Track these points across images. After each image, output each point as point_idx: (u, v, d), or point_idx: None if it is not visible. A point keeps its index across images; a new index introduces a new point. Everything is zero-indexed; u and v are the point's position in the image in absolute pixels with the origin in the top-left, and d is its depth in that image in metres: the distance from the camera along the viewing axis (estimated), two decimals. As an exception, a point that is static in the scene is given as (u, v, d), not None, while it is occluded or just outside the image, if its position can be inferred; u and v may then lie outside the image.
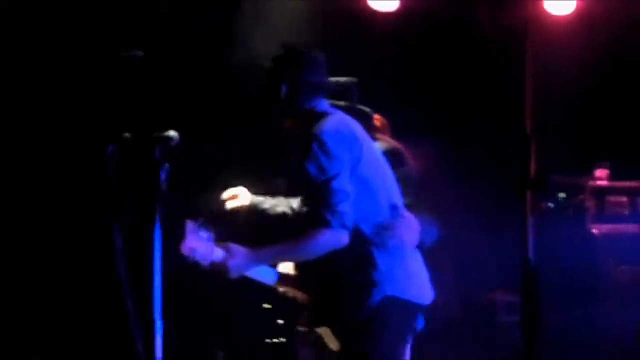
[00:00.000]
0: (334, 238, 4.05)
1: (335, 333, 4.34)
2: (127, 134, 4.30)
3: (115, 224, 4.21)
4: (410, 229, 4.47)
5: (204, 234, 4.16)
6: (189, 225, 4.11)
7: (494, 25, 7.46)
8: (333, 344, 4.29)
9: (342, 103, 4.85)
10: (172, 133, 4.42)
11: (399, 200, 4.31)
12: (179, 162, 4.17)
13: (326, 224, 4.00)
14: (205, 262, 4.19)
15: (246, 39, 7.32)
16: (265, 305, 7.21)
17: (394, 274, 4.22)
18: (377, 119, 5.27)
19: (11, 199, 7.57)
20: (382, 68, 5.70)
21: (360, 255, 4.20)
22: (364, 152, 4.17)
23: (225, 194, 4.88)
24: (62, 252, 7.39)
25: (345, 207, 4.00)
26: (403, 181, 4.72)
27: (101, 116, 6.73)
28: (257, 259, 4.33)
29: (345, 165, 4.13)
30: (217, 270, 4.24)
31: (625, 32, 7.84)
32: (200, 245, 4.12)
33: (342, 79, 5.04)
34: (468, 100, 7.62)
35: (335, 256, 4.14)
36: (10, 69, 7.54)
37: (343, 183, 4.02)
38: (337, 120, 4.20)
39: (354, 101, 5.11)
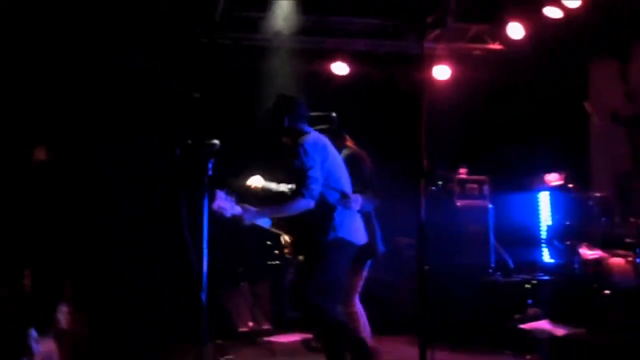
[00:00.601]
0: (306, 204, 4.13)
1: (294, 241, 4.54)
2: (188, 141, 4.50)
3: (181, 198, 4.34)
4: (356, 202, 4.45)
5: (228, 198, 4.16)
6: (219, 193, 4.15)
7: (406, 83, 7.30)
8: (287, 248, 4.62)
9: (323, 126, 4.78)
10: (215, 141, 4.48)
11: (348, 186, 4.41)
12: (219, 160, 4.24)
13: (302, 196, 4.12)
14: (228, 215, 4.17)
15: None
16: (267, 242, 6.94)
17: (343, 224, 4.26)
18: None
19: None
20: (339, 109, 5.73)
21: (325, 213, 4.22)
22: (329, 155, 4.31)
23: (249, 180, 4.96)
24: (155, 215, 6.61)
25: (315, 186, 4.13)
26: (359, 174, 4.76)
27: (172, 130, 6.33)
28: (262, 214, 4.35)
29: (317, 162, 4.16)
30: (236, 220, 4.23)
31: (485, 89, 7.87)
32: (226, 204, 4.14)
33: (323, 113, 4.97)
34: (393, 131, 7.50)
35: (309, 213, 4.17)
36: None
37: (315, 172, 4.14)
38: (313, 136, 4.36)
39: (333, 124, 4.98)
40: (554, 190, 6.50)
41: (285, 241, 4.63)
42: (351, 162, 4.73)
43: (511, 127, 7.19)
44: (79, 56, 6.37)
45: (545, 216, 6.70)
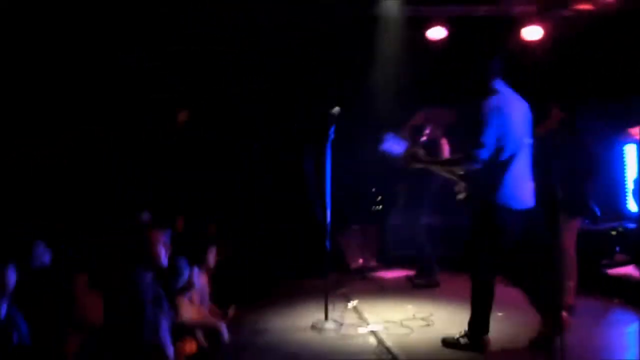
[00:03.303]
0: (474, 162, 3.86)
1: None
2: (313, 109, 4.45)
3: (308, 155, 4.47)
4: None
5: (398, 140, 4.08)
6: (389, 133, 4.05)
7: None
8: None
9: None
10: (336, 109, 4.49)
11: (523, 148, 4.03)
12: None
13: (473, 154, 3.86)
14: (396, 155, 4.06)
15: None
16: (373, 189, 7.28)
17: (508, 188, 3.92)
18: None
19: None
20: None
21: (493, 175, 3.90)
22: (510, 117, 3.90)
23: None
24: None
25: (486, 148, 3.84)
26: None
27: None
28: (430, 163, 4.23)
29: (494, 123, 3.83)
30: (403, 159, 4.09)
31: (575, 48, 7.14)
32: (395, 145, 4.07)
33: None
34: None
35: (477, 173, 3.92)
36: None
37: (489, 133, 3.83)
38: (499, 96, 3.95)
39: None
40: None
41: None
42: None
43: (600, 83, 6.84)
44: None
45: (632, 168, 6.54)
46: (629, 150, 6.58)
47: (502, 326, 4.51)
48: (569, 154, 4.76)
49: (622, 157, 6.67)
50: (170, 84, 6.26)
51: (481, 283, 4.06)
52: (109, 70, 6.13)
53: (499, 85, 4.00)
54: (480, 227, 3.97)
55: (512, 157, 3.92)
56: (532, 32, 7.08)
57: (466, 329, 4.11)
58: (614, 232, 6.15)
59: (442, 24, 7.15)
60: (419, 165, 4.15)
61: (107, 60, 6.08)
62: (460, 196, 4.09)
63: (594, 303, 5.45)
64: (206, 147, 6.39)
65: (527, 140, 4.04)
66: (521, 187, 4.01)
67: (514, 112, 3.97)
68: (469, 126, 4.01)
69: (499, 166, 3.90)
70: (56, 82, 6.03)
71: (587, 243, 6.13)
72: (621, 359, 3.96)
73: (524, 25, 7.12)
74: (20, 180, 5.49)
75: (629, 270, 5.47)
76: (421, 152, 4.14)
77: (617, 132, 6.67)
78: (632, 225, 6.00)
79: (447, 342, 4.18)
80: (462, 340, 4.08)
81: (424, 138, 6.26)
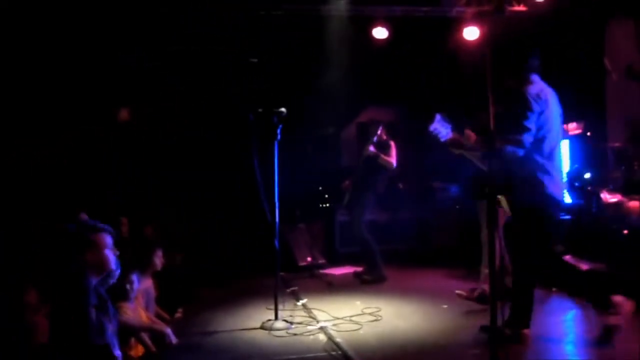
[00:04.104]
0: (515, 150, 3.73)
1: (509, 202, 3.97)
2: (259, 109, 4.65)
3: (254, 152, 4.59)
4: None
5: (445, 123, 3.88)
6: (438, 116, 3.87)
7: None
8: (505, 206, 4.00)
9: None
10: (283, 109, 4.43)
11: (559, 140, 3.99)
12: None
13: (514, 142, 3.74)
14: (442, 139, 3.88)
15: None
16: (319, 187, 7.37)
17: (548, 178, 3.85)
18: None
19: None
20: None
21: (532, 166, 3.83)
22: (547, 108, 3.84)
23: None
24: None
25: (527, 136, 3.76)
26: None
27: (247, 100, 6.22)
28: (473, 149, 4.01)
29: (535, 113, 3.75)
30: (449, 143, 3.90)
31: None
32: (441, 129, 3.88)
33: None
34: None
35: (517, 162, 3.80)
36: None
37: (530, 123, 3.76)
38: (538, 87, 3.88)
39: None
40: (573, 138, 6.48)
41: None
42: None
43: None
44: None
45: (565, 162, 6.59)
46: (562, 145, 6.77)
47: (446, 317, 4.71)
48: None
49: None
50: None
51: (528, 276, 3.95)
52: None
53: (536, 78, 3.97)
54: (529, 221, 3.84)
55: (553, 150, 3.90)
56: (472, 33, 7.34)
57: (511, 320, 3.94)
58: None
59: (384, 24, 7.17)
60: (459, 151, 4.02)
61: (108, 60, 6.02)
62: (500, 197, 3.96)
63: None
64: (151, 146, 6.24)
65: (562, 136, 4.05)
66: (561, 181, 4.01)
67: (551, 104, 3.93)
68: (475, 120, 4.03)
69: (545, 159, 3.83)
70: (56, 81, 5.97)
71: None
72: (559, 345, 4.02)
73: (464, 25, 7.34)
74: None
75: (567, 260, 5.51)
76: (463, 138, 3.98)
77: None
78: (567, 217, 6.10)
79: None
80: (507, 331, 3.93)
81: (375, 138, 6.27)
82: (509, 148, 3.73)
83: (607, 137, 6.44)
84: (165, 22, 6.10)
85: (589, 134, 6.22)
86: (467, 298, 4.98)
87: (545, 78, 4.00)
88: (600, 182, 5.42)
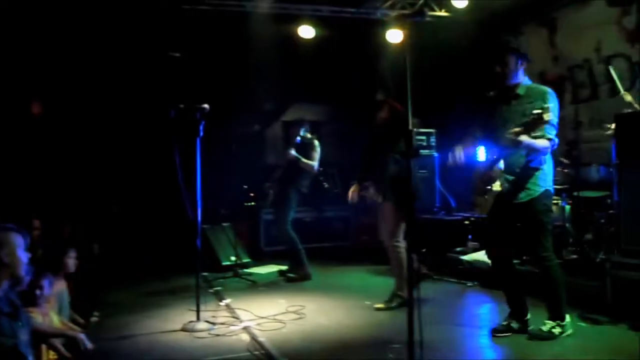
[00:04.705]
0: (548, 149, 3.85)
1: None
2: (181, 105, 4.49)
3: (176, 149, 4.41)
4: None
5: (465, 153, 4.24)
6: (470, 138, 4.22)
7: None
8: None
9: None
10: (205, 105, 4.35)
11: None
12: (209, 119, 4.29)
13: (550, 140, 3.82)
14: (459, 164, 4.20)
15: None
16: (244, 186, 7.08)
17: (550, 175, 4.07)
18: None
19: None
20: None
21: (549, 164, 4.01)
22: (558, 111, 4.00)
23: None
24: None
25: (555, 134, 3.89)
26: None
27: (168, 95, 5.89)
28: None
29: (558, 112, 3.88)
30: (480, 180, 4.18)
31: (432, 51, 7.23)
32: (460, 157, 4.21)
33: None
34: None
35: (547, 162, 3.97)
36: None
37: (556, 122, 3.88)
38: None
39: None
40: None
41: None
42: None
43: (456, 85, 7.23)
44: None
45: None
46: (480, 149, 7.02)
47: (368, 313, 4.79)
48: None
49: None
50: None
51: (557, 266, 3.96)
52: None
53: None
54: (546, 214, 3.94)
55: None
56: (395, 35, 7.48)
57: (555, 320, 3.92)
58: (467, 222, 6.54)
59: (309, 23, 7.25)
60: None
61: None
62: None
63: (449, 286, 5.80)
64: (66, 142, 6.01)
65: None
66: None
67: None
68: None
69: (553, 156, 4.06)
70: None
71: (443, 232, 6.66)
72: (475, 336, 4.11)
73: (387, 28, 7.47)
74: None
75: (480, 256, 5.70)
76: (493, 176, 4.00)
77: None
78: (482, 216, 6.39)
79: (540, 336, 3.91)
80: (557, 331, 3.90)
81: (298, 139, 6.24)
82: (547, 146, 3.83)
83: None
84: (84, 13, 5.88)
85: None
86: (386, 309, 4.91)
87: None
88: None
